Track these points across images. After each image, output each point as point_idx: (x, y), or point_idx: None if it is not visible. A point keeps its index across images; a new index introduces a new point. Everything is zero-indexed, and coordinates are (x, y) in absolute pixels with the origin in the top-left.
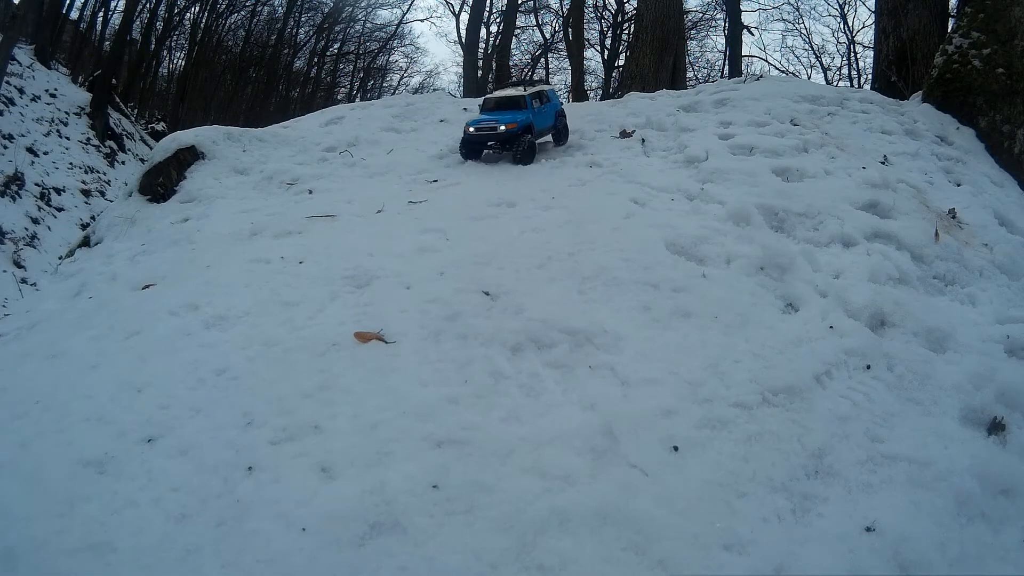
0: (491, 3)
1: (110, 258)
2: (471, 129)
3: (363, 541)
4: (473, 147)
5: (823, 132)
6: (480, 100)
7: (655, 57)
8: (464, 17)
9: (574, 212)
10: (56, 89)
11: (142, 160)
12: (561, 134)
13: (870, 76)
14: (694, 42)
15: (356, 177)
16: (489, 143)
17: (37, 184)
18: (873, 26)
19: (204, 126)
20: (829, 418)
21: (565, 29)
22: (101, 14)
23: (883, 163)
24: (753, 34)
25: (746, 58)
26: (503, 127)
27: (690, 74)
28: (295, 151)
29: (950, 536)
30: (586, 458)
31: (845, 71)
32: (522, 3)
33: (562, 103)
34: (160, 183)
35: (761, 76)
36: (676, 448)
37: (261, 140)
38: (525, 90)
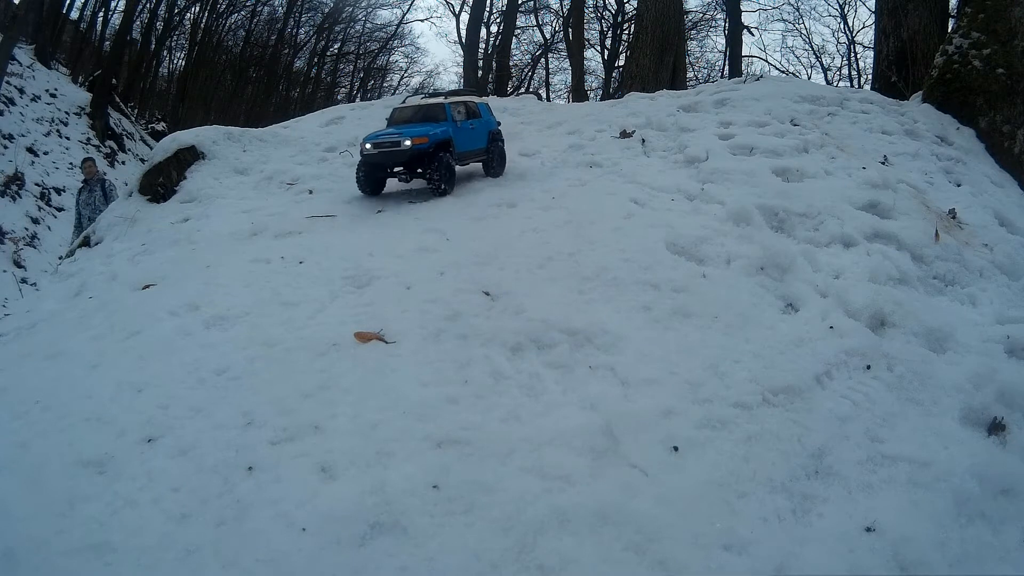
0: (491, 3)
1: (110, 258)
2: (368, 146)
3: (363, 541)
4: (373, 172)
5: (823, 132)
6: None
7: (655, 57)
8: (464, 17)
9: (574, 212)
10: (56, 89)
11: (142, 160)
12: (494, 161)
13: (870, 76)
14: (694, 42)
15: None
16: (393, 168)
17: (37, 184)
18: (873, 26)
19: (204, 126)
20: (829, 418)
21: (565, 29)
22: (101, 14)
23: (883, 163)
24: (753, 34)
25: (746, 58)
26: (408, 142)
27: (690, 74)
28: (295, 151)
29: (950, 536)
30: (586, 458)
31: (845, 71)
32: (522, 3)
33: (499, 124)
34: (160, 183)
35: (761, 76)
36: (676, 448)
37: (261, 140)
38: (446, 98)
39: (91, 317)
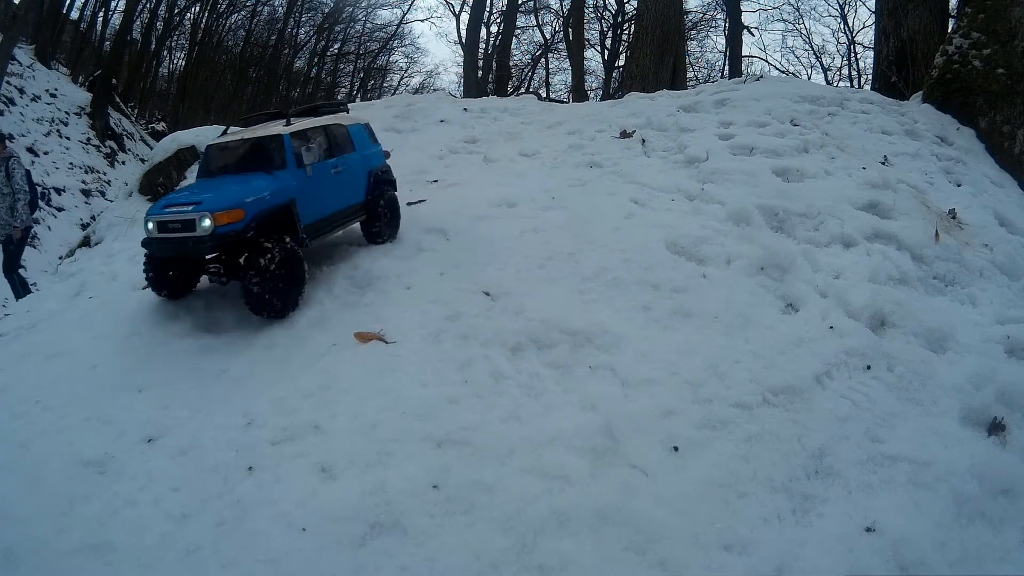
0: (491, 3)
1: (110, 258)
2: (150, 226)
3: (363, 541)
4: (166, 268)
5: (823, 132)
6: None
7: (655, 57)
8: (464, 17)
9: (574, 212)
10: (56, 89)
11: (142, 160)
12: (381, 220)
13: (870, 76)
14: (694, 42)
15: None
16: (193, 261)
17: (37, 184)
18: (873, 26)
19: (204, 126)
20: (829, 418)
21: (565, 29)
22: (101, 14)
23: (883, 163)
24: (753, 34)
25: (746, 58)
26: (208, 221)
27: (690, 74)
28: None
29: (950, 536)
30: (586, 458)
31: (845, 71)
32: (522, 3)
33: (388, 154)
34: (160, 183)
35: (761, 76)
36: (676, 448)
37: None
38: (288, 122)
39: (91, 317)
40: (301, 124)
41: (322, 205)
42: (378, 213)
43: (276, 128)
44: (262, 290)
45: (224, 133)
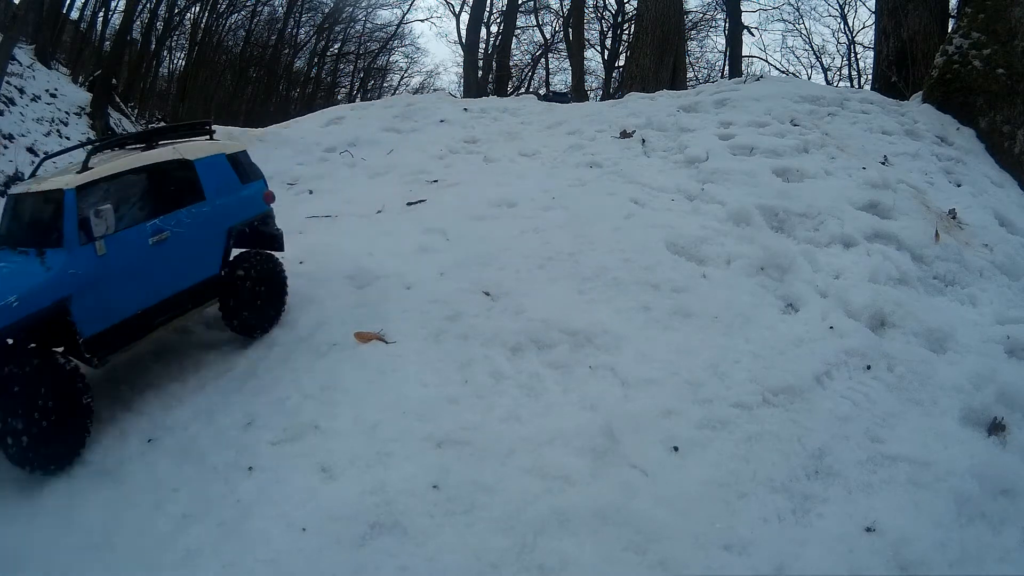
0: (491, 3)
1: None
2: None
3: (363, 541)
4: None
5: (823, 132)
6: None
7: (655, 57)
8: (464, 17)
9: (574, 212)
10: (56, 89)
11: None
12: (248, 301)
13: (870, 76)
14: (694, 42)
15: (356, 177)
16: None
17: None
18: (873, 26)
19: None
20: (829, 418)
21: (565, 29)
22: (101, 14)
23: (883, 163)
24: (753, 34)
25: (746, 58)
26: None
27: (690, 74)
28: (295, 151)
29: (950, 536)
30: (586, 458)
31: (845, 71)
32: (522, 3)
33: (270, 196)
34: None
35: (761, 76)
36: (676, 448)
37: (261, 140)
38: (86, 165)
39: None
40: (102, 169)
41: (131, 296)
42: (244, 292)
43: (61, 179)
44: (16, 443)
45: (33, 174)
